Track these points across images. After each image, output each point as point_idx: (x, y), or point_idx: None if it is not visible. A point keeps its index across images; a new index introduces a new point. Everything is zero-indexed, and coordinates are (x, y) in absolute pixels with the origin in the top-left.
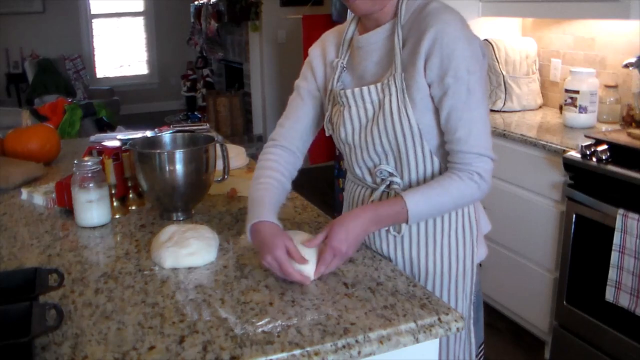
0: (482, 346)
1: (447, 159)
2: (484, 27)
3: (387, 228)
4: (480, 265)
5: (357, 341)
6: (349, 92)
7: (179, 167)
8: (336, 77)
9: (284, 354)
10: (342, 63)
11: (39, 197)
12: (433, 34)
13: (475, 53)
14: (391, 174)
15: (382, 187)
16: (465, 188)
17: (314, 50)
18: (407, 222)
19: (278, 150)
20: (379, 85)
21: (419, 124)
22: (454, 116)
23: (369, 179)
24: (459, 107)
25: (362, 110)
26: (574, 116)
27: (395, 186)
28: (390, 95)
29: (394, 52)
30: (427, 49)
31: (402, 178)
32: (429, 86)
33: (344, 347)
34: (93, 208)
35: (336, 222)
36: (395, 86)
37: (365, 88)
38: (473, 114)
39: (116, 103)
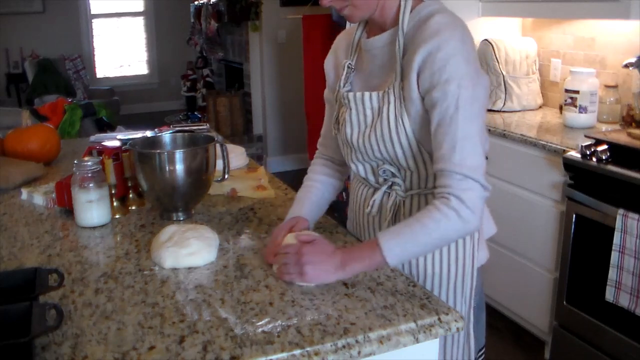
0: (483, 350)
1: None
2: (484, 27)
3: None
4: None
5: (357, 341)
6: (351, 95)
7: (179, 167)
8: (343, 77)
9: (284, 354)
10: (349, 64)
11: (39, 197)
12: (428, 48)
13: (470, 71)
14: (394, 175)
15: (384, 188)
16: (441, 218)
17: (327, 58)
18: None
19: (320, 160)
20: (380, 92)
21: (415, 134)
22: (440, 131)
23: (372, 178)
24: (445, 122)
25: (361, 115)
26: (574, 116)
27: (396, 187)
28: (389, 104)
29: (395, 60)
30: (420, 63)
31: (404, 180)
32: (423, 99)
33: (344, 347)
34: (93, 208)
35: (318, 243)
36: (394, 95)
37: (367, 94)
38: (459, 130)
39: (116, 103)
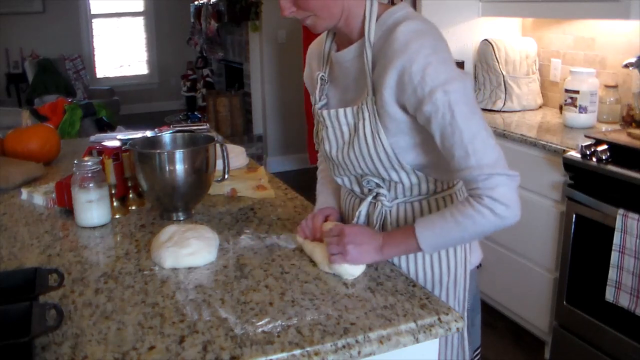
0: (479, 350)
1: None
2: (484, 27)
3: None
4: (480, 265)
5: (357, 341)
6: (325, 112)
7: (179, 167)
8: (318, 90)
9: (284, 354)
10: (322, 76)
11: (39, 197)
12: (400, 63)
13: (451, 73)
14: (378, 185)
15: (369, 198)
16: (476, 215)
17: (305, 71)
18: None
19: (323, 158)
20: (354, 108)
21: (393, 148)
22: (446, 143)
23: (357, 189)
24: (447, 132)
25: (338, 131)
26: (574, 116)
27: (382, 198)
28: (364, 120)
29: (365, 74)
30: (396, 80)
31: (389, 190)
32: (414, 117)
33: (344, 347)
34: (93, 208)
35: (359, 226)
36: (368, 111)
37: (341, 110)
38: (464, 134)
39: (116, 103)
